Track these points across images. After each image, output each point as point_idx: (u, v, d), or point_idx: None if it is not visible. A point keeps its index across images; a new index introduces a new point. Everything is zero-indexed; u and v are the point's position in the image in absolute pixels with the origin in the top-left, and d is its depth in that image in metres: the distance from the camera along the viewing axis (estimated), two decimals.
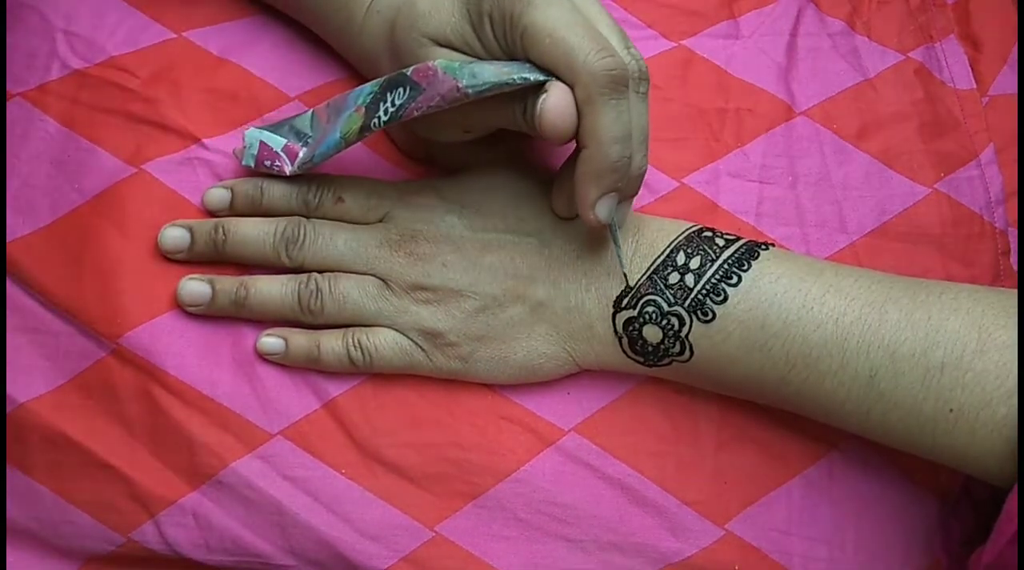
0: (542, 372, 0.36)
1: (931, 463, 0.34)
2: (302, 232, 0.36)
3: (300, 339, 0.36)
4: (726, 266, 0.34)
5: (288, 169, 0.37)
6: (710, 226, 0.36)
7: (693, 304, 0.34)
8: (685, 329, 0.34)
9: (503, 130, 0.36)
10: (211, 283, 0.37)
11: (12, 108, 0.40)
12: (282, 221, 0.37)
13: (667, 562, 0.36)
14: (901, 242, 0.40)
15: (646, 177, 0.36)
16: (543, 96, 0.31)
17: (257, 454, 0.36)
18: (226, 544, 0.36)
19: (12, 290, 0.38)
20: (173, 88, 0.40)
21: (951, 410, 0.32)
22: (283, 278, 0.37)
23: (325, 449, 0.36)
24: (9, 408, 0.37)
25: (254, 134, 0.37)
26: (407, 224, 0.36)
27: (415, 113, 0.32)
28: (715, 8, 0.44)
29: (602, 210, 0.32)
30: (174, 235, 0.37)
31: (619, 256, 0.34)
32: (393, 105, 0.33)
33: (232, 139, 0.39)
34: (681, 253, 0.35)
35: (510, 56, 0.32)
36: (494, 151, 0.38)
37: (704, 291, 0.34)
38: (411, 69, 0.32)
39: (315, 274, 0.36)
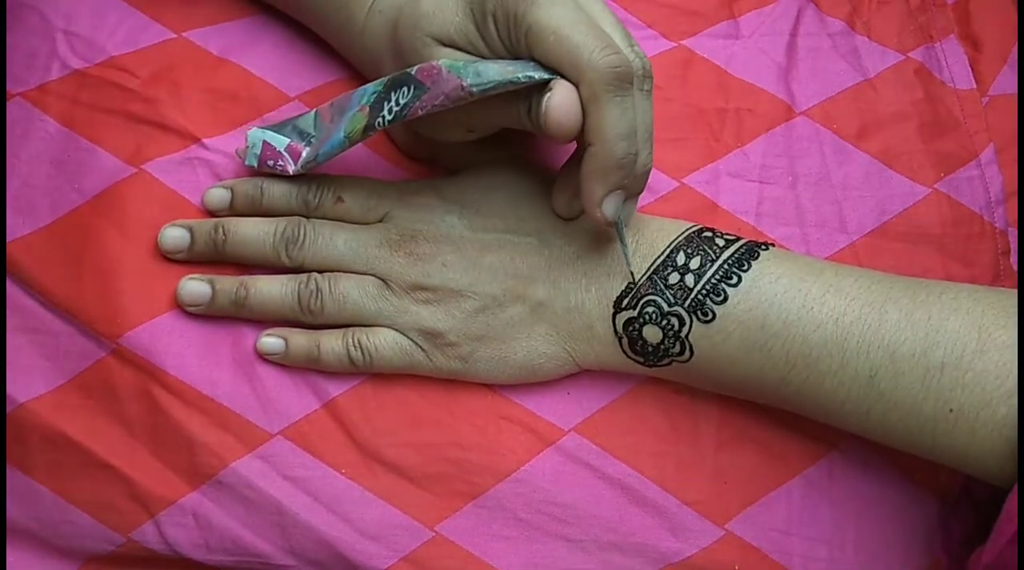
0: (542, 372, 0.36)
1: (931, 463, 0.34)
2: (302, 232, 0.36)
3: (300, 339, 0.36)
4: (726, 266, 0.34)
5: (291, 169, 0.37)
6: (710, 226, 0.36)
7: (693, 304, 0.34)
8: (685, 329, 0.34)
9: (505, 130, 0.36)
10: (211, 283, 0.37)
11: (12, 108, 0.40)
12: (282, 221, 0.37)
13: (667, 562, 0.36)
14: (901, 242, 0.40)
15: None
16: (548, 94, 0.31)
17: (257, 454, 0.36)
18: (226, 544, 0.36)
19: (12, 290, 0.38)
20: (173, 88, 0.40)
21: (951, 410, 0.32)
22: (283, 278, 0.37)
23: (325, 449, 0.36)
24: (9, 408, 0.37)
25: (257, 134, 0.37)
26: (407, 224, 0.36)
27: (419, 112, 0.32)
28: (715, 8, 0.44)
29: (608, 208, 0.32)
30: (174, 235, 0.37)
31: (625, 254, 0.34)
32: (397, 104, 0.33)
33: (232, 139, 0.39)
34: (681, 253, 0.35)
35: (514, 55, 0.32)
36: (494, 151, 0.38)
37: (704, 291, 0.34)
38: (415, 68, 0.32)
39: (315, 274, 0.36)
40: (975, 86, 0.43)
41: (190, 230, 0.37)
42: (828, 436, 0.37)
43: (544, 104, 0.31)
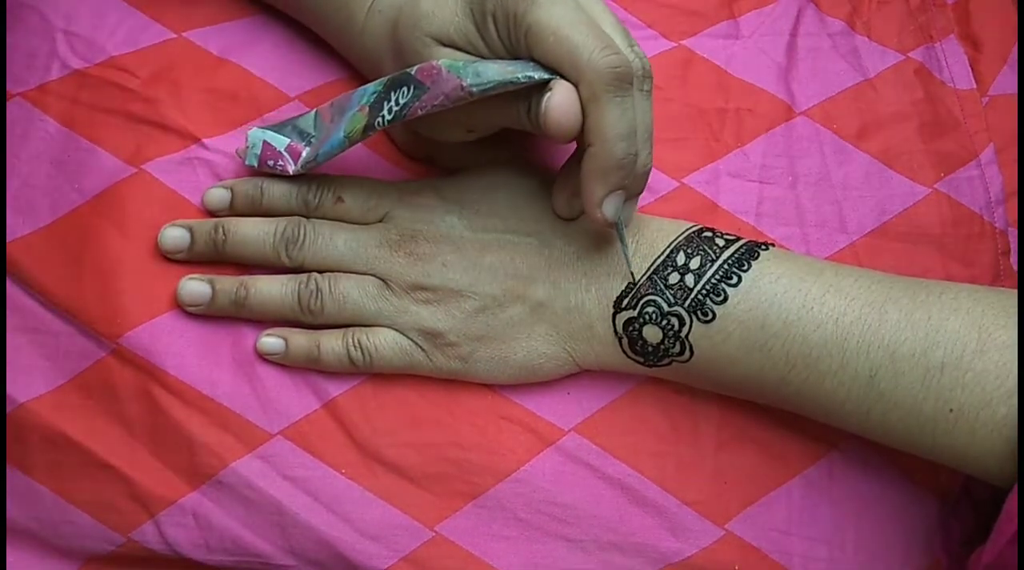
0: (542, 372, 0.36)
1: (931, 463, 0.34)
2: (302, 232, 0.36)
3: (300, 339, 0.36)
4: (726, 266, 0.34)
5: (291, 169, 0.37)
6: (710, 226, 0.36)
7: (693, 304, 0.34)
8: (685, 329, 0.34)
9: (504, 130, 0.36)
10: (211, 283, 0.37)
11: (12, 108, 0.40)
12: (282, 221, 0.37)
13: (667, 562, 0.36)
14: (901, 242, 0.40)
15: None
16: (547, 94, 0.31)
17: (257, 454, 0.36)
18: (226, 544, 0.36)
19: (12, 290, 0.38)
20: (173, 88, 0.40)
21: (951, 410, 0.32)
22: (283, 278, 0.37)
23: (325, 449, 0.36)
24: (9, 408, 0.37)
25: (257, 134, 0.37)
26: (407, 224, 0.36)
27: (419, 112, 0.32)
28: (715, 8, 0.44)
29: (609, 208, 0.32)
30: (174, 235, 0.37)
31: (625, 254, 0.34)
32: (397, 104, 0.33)
33: (232, 139, 0.39)
34: (681, 253, 0.35)
35: (514, 55, 0.32)
36: (494, 151, 0.38)
37: (704, 291, 0.34)
38: (415, 68, 0.32)
39: (315, 274, 0.36)
40: (975, 86, 0.43)
41: (190, 230, 0.37)
42: (828, 436, 0.37)
43: (544, 104, 0.31)
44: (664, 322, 0.34)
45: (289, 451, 0.36)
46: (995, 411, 0.31)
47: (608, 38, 0.31)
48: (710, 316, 0.34)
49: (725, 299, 0.34)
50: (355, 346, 0.36)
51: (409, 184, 0.38)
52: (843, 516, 0.37)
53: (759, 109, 0.42)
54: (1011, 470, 0.31)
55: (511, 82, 0.31)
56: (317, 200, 0.37)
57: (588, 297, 0.35)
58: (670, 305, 0.34)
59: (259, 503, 0.36)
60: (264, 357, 0.37)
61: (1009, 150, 0.42)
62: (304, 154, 0.37)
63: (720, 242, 0.35)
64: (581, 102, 0.31)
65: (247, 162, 0.37)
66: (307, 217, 0.37)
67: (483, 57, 0.33)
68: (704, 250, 0.35)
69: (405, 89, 0.33)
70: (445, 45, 0.33)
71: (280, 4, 0.41)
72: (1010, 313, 0.32)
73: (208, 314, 0.37)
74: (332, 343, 0.36)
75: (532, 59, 0.31)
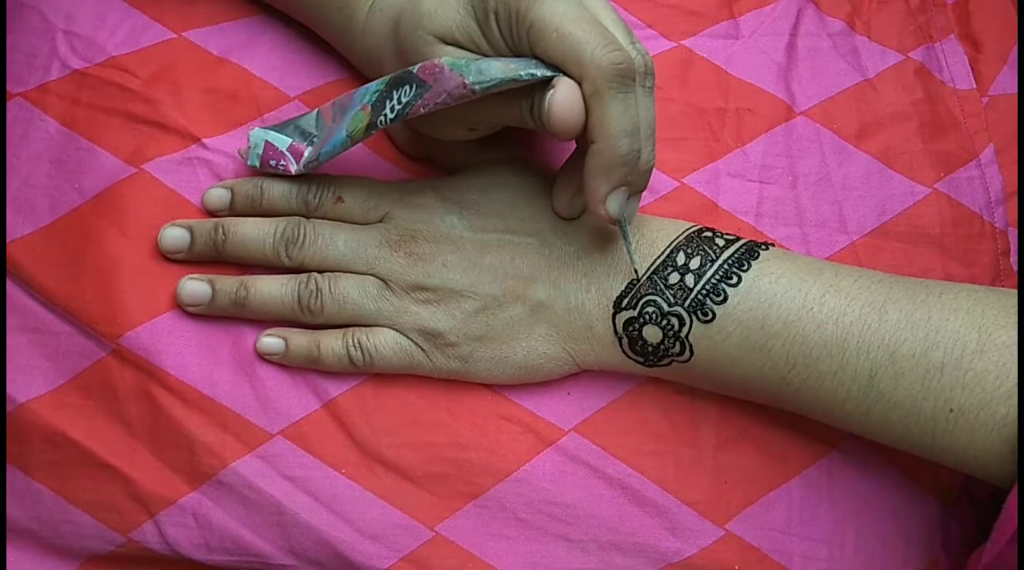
0: (542, 372, 0.36)
1: (931, 463, 0.34)
2: (302, 232, 0.36)
3: (300, 339, 0.36)
4: (726, 266, 0.34)
5: (293, 168, 0.37)
6: (710, 226, 0.36)
7: (693, 304, 0.34)
8: (685, 329, 0.34)
9: (505, 130, 0.36)
10: (211, 283, 0.37)
11: (12, 108, 0.40)
12: (282, 221, 0.37)
13: (667, 562, 0.36)
14: (901, 242, 0.40)
15: None
16: (551, 91, 0.31)
17: (257, 454, 0.36)
18: (226, 544, 0.36)
19: (12, 290, 0.38)
20: (173, 88, 0.40)
21: (951, 410, 0.32)
22: (283, 278, 0.37)
23: (325, 449, 0.36)
24: (9, 408, 0.37)
25: (259, 134, 0.37)
26: (407, 224, 0.36)
27: (421, 110, 0.32)
28: (715, 8, 0.44)
29: (612, 205, 0.32)
30: (174, 235, 0.37)
31: (628, 251, 0.34)
32: (399, 103, 0.33)
33: (232, 139, 0.39)
34: (681, 253, 0.35)
35: (516, 52, 0.32)
36: (494, 151, 0.38)
37: (704, 291, 0.34)
38: (417, 67, 0.32)
39: (315, 274, 0.36)
40: (975, 86, 0.43)
41: (190, 230, 0.37)
42: (828, 436, 0.37)
43: (547, 101, 0.31)
44: (664, 322, 0.34)
45: (289, 451, 0.36)
46: (995, 411, 0.31)
47: (610, 34, 0.31)
48: (710, 316, 0.34)
49: (725, 299, 0.34)
50: (355, 346, 0.36)
51: (409, 184, 0.38)
52: (843, 516, 0.37)
53: (759, 109, 0.42)
54: (1011, 470, 0.31)
55: (514, 79, 0.31)
56: (317, 200, 0.37)
57: (588, 297, 0.35)
58: (670, 305, 0.34)
59: (259, 503, 0.36)
60: (264, 357, 0.37)
61: (1009, 150, 0.42)
62: (306, 154, 0.37)
63: (720, 242, 0.35)
64: (584, 99, 0.31)
65: (249, 162, 0.37)
66: (307, 217, 0.37)
67: (485, 55, 0.33)
68: (704, 250, 0.35)
69: (407, 88, 0.33)
70: (447, 43, 0.33)
71: (280, 4, 0.41)
72: (1010, 313, 0.32)
73: (208, 314, 0.37)
74: (332, 343, 0.36)
75: (534, 56, 0.31)
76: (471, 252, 0.36)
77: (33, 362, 0.37)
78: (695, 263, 0.35)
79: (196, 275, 0.37)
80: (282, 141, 0.37)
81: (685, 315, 0.34)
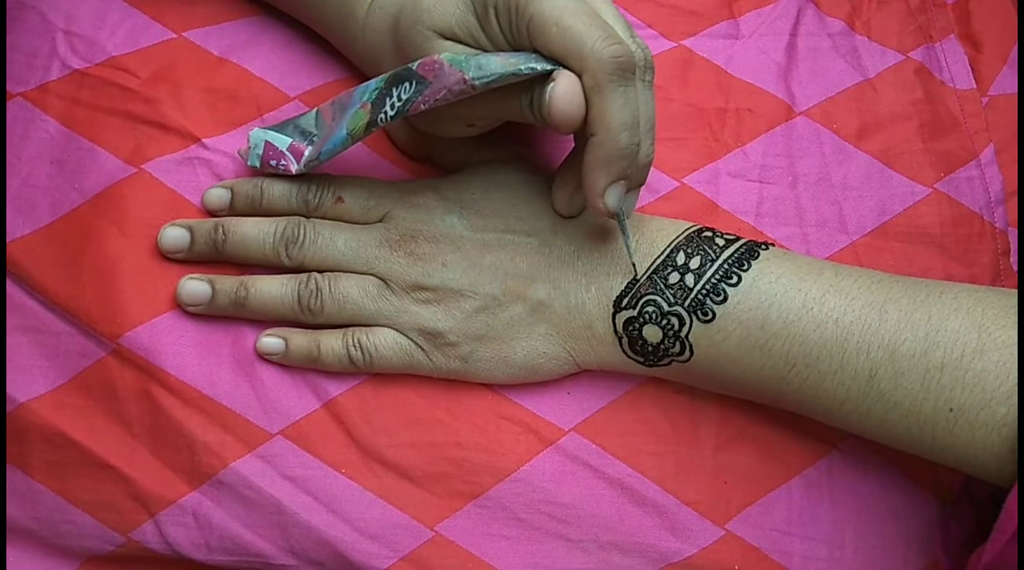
0: (542, 372, 0.36)
1: (931, 463, 0.34)
2: (302, 232, 0.36)
3: (300, 339, 0.36)
4: (726, 266, 0.34)
5: (294, 168, 0.37)
6: (710, 226, 0.36)
7: (693, 304, 0.34)
8: (685, 329, 0.34)
9: (504, 129, 0.36)
10: (211, 283, 0.37)
11: (12, 108, 0.40)
12: (282, 221, 0.37)
13: (667, 562, 0.36)
14: (901, 242, 0.40)
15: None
16: (551, 85, 0.31)
17: (257, 454, 0.36)
18: (226, 544, 0.36)
19: (12, 290, 0.38)
20: (173, 88, 0.40)
21: (951, 410, 0.32)
22: (283, 278, 0.37)
23: (325, 449, 0.36)
24: (9, 408, 0.37)
25: (259, 134, 0.37)
26: (407, 224, 0.36)
27: (422, 107, 0.32)
28: (715, 8, 0.44)
29: (611, 198, 0.32)
30: (174, 235, 0.37)
31: (627, 246, 0.34)
32: (399, 100, 0.33)
33: (232, 139, 0.39)
34: (681, 253, 0.35)
35: (515, 47, 0.32)
36: (494, 150, 0.38)
37: (704, 291, 0.34)
38: (416, 63, 0.32)
39: (315, 274, 0.36)
40: (975, 86, 0.43)
41: (190, 230, 0.37)
42: (828, 436, 0.37)
43: (547, 94, 0.31)
44: (664, 322, 0.34)
45: (289, 451, 0.36)
46: (995, 411, 0.31)
47: (610, 28, 0.31)
48: (710, 316, 0.34)
49: (725, 299, 0.34)
50: (355, 346, 0.36)
51: (409, 184, 0.38)
52: (843, 516, 0.37)
53: (759, 109, 0.42)
54: (1011, 470, 0.31)
55: (514, 74, 0.31)
56: (317, 200, 0.37)
57: (588, 297, 0.35)
58: (670, 305, 0.34)
59: (259, 503, 0.36)
60: (264, 357, 0.37)
61: (1009, 150, 0.42)
62: (307, 153, 0.37)
63: (720, 242, 0.35)
64: (584, 92, 0.31)
65: (249, 162, 0.37)
66: (307, 217, 0.37)
67: (485, 50, 0.33)
68: (704, 250, 0.35)
69: (407, 85, 0.33)
70: (447, 38, 0.33)
71: (280, 3, 0.41)
72: (1010, 313, 0.32)
73: (208, 314, 0.37)
74: (332, 343, 0.36)
75: (534, 50, 0.31)
76: (471, 252, 0.36)
77: (33, 362, 0.37)
78: (695, 263, 0.35)
79: (196, 275, 0.37)
80: (282, 141, 0.37)
81: (685, 315, 0.34)
